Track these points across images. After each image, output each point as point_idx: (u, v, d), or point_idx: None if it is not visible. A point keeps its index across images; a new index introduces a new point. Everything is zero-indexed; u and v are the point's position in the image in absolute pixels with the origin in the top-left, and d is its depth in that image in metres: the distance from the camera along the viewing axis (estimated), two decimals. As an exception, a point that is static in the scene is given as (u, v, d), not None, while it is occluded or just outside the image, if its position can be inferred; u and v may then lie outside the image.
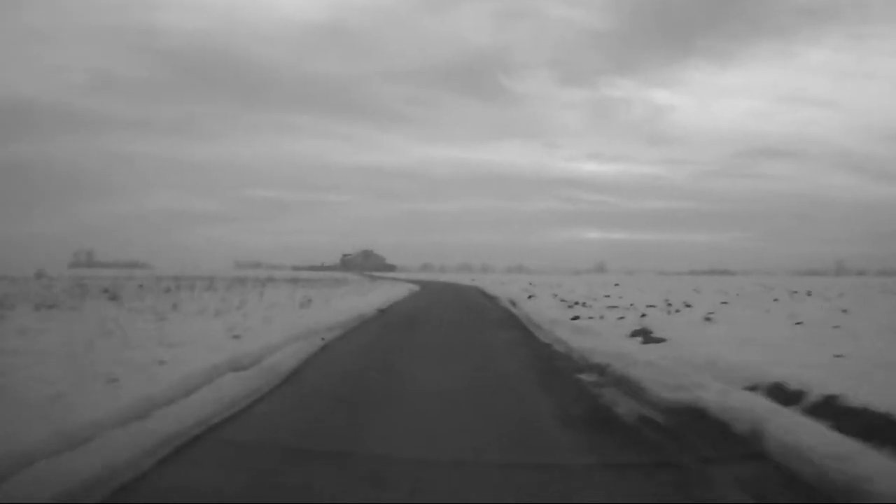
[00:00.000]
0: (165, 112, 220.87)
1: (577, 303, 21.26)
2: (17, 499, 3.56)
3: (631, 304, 20.05)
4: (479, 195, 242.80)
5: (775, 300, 23.09)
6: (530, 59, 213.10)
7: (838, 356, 7.46)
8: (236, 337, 10.31)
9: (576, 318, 14.44)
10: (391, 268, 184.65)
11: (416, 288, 43.22)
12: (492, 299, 28.93)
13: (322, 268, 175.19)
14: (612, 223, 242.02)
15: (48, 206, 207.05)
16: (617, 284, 43.56)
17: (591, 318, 14.48)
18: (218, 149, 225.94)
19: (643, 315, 14.42)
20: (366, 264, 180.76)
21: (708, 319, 13.33)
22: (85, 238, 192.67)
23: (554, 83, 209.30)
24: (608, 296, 26.77)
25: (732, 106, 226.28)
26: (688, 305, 19.39)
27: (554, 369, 8.92)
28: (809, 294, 28.56)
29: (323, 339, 11.69)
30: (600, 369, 8.24)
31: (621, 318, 14.24)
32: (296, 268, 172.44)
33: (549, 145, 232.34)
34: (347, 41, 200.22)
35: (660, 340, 9.85)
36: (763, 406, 5.37)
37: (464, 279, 74.24)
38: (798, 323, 12.32)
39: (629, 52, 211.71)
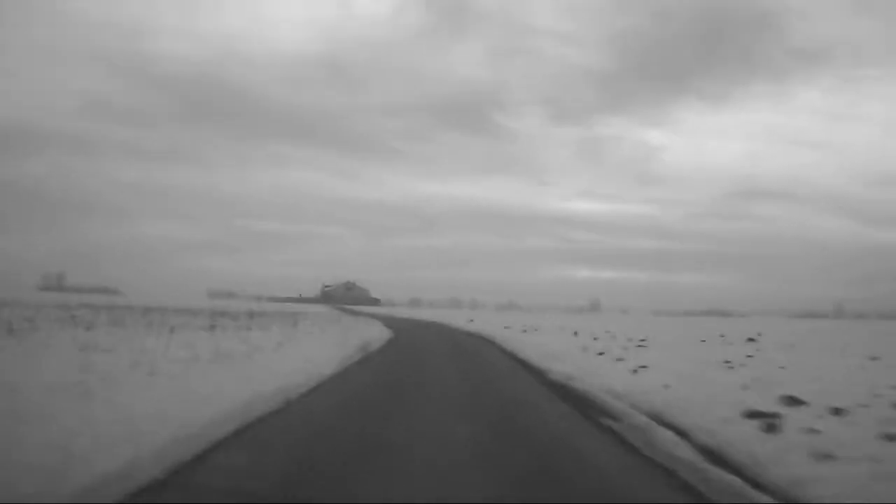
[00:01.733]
0: (156, 139, 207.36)
1: None
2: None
3: None
4: (470, 231, 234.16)
5: None
6: (524, 97, 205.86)
7: None
8: None
9: None
10: (375, 301, 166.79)
11: (383, 336, 24.71)
12: (594, 424, 8.39)
13: (300, 300, 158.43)
14: (603, 262, 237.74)
15: (30, 228, 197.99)
16: (760, 335, 24.33)
17: None
18: (208, 178, 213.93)
19: None
20: (347, 297, 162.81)
21: None
22: (65, 262, 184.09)
23: (547, 121, 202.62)
24: None
25: (725, 147, 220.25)
26: None
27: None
28: None
29: None
30: None
31: None
32: (272, 299, 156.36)
33: (541, 183, 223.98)
34: (342, 75, 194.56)
35: None
36: None
37: (458, 319, 55.38)
38: None
39: (622, 91, 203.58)
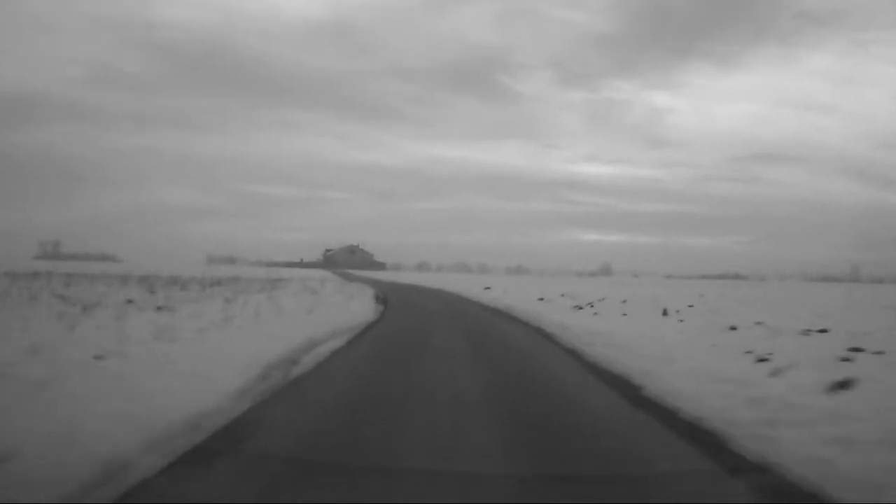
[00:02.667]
0: (163, 106, 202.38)
1: None
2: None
3: None
4: (476, 195, 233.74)
5: None
6: (531, 60, 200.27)
7: None
8: None
9: None
10: (380, 265, 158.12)
11: (359, 319, 14.64)
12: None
13: (301, 264, 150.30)
14: (610, 225, 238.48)
15: (33, 197, 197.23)
16: None
17: None
18: (216, 144, 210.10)
19: None
20: (350, 261, 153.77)
21: None
22: (69, 230, 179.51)
23: (554, 84, 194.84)
24: None
25: (732, 110, 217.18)
26: None
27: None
28: None
29: None
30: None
31: None
32: (271, 264, 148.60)
33: (547, 146, 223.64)
34: (348, 39, 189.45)
35: None
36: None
37: (470, 285, 45.20)
38: None
39: (630, 55, 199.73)
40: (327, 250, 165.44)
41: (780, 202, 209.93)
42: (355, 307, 19.55)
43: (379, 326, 14.83)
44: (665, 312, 17.58)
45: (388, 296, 28.40)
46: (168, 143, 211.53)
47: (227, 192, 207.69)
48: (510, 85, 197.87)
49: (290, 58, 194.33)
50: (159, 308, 16.90)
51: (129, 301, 19.62)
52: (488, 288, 37.99)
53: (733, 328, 12.85)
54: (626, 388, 7.47)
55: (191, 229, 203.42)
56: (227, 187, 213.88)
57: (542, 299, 25.37)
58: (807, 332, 12.02)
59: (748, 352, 9.57)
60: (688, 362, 8.52)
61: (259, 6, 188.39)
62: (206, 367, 7.56)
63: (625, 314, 17.41)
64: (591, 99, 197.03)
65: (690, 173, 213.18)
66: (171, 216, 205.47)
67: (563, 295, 28.50)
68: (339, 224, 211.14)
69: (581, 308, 19.97)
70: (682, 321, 15.03)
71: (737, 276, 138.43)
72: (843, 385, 7.21)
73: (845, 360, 9.17)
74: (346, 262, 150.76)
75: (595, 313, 17.93)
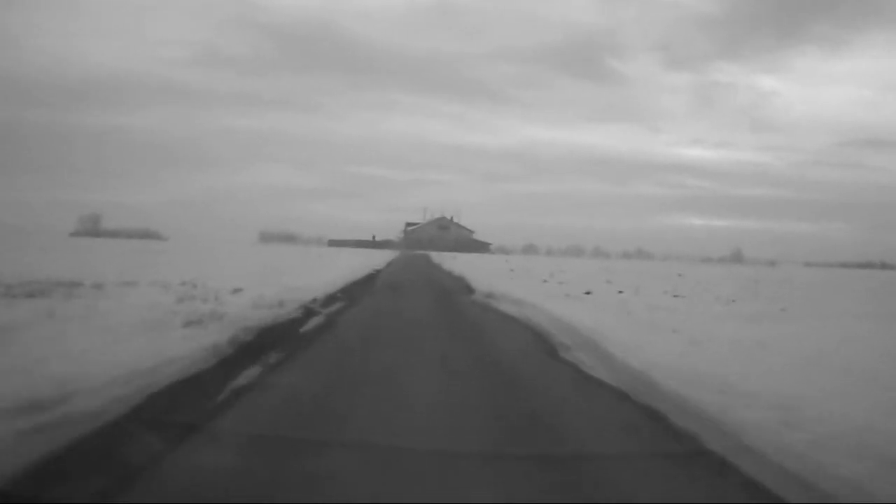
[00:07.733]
0: (267, 87, 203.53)
1: None
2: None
3: None
4: (582, 177, 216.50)
5: None
6: (637, 42, 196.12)
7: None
8: None
9: None
10: (482, 246, 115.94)
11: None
12: None
13: (371, 243, 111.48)
14: (717, 210, 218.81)
15: (130, 176, 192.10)
16: None
17: None
18: (319, 125, 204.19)
19: None
20: (440, 239, 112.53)
21: None
22: (169, 209, 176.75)
23: (660, 66, 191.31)
24: None
25: (839, 94, 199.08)
26: None
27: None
28: None
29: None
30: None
31: None
32: (334, 243, 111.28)
33: (652, 129, 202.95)
34: (454, 20, 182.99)
35: None
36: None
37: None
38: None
39: (737, 37, 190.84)
40: (408, 225, 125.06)
41: (886, 189, 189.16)
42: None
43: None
44: None
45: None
46: (271, 125, 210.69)
47: (325, 172, 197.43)
48: (615, 67, 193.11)
49: (393, 40, 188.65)
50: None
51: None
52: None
53: None
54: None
55: (277, 208, 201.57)
56: (326, 167, 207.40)
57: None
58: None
59: None
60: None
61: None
62: None
63: None
64: (697, 82, 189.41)
65: (795, 158, 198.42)
66: (260, 195, 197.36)
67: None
68: (443, 205, 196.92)
69: None
70: None
71: (883, 266, 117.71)
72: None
73: None
74: (433, 240, 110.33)
75: None
